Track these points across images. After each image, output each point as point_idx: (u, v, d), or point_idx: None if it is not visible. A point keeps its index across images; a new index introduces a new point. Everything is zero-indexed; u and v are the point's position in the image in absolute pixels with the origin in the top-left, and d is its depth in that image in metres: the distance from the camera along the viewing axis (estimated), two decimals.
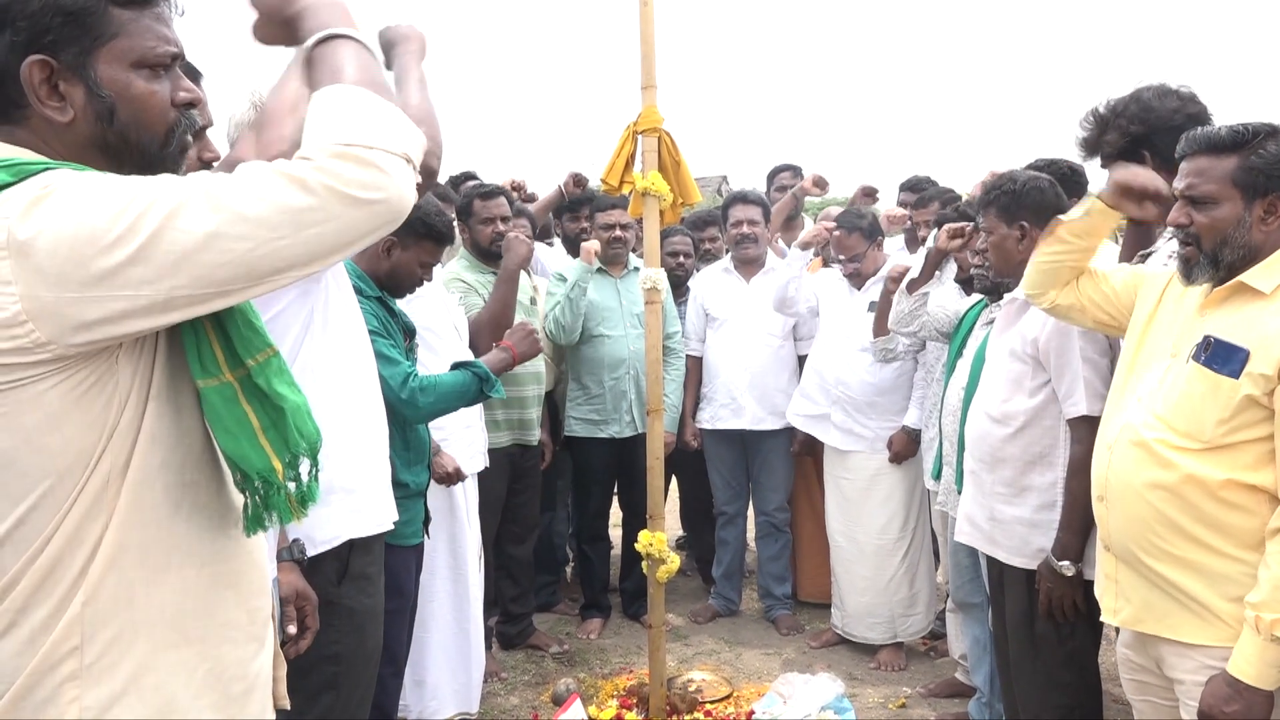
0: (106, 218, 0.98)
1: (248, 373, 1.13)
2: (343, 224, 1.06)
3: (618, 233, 4.23)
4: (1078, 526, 2.38)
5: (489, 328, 3.49)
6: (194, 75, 1.71)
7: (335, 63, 1.22)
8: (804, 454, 4.40)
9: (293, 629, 1.93)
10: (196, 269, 1.00)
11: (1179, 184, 1.93)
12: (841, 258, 4.05)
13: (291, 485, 1.19)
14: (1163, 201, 2.09)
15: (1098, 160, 2.45)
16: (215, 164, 1.76)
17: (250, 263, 1.02)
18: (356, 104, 1.13)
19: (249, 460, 1.14)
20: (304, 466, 1.21)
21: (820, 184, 4.74)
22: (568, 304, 3.99)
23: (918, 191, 4.66)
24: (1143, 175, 2.12)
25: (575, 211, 4.71)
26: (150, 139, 1.16)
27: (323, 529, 2.10)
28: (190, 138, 1.23)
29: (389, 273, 2.69)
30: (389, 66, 1.90)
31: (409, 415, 2.62)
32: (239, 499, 1.20)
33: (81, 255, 0.97)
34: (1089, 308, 2.23)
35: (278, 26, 1.37)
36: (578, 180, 4.58)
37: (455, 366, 2.77)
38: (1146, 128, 2.28)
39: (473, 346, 3.38)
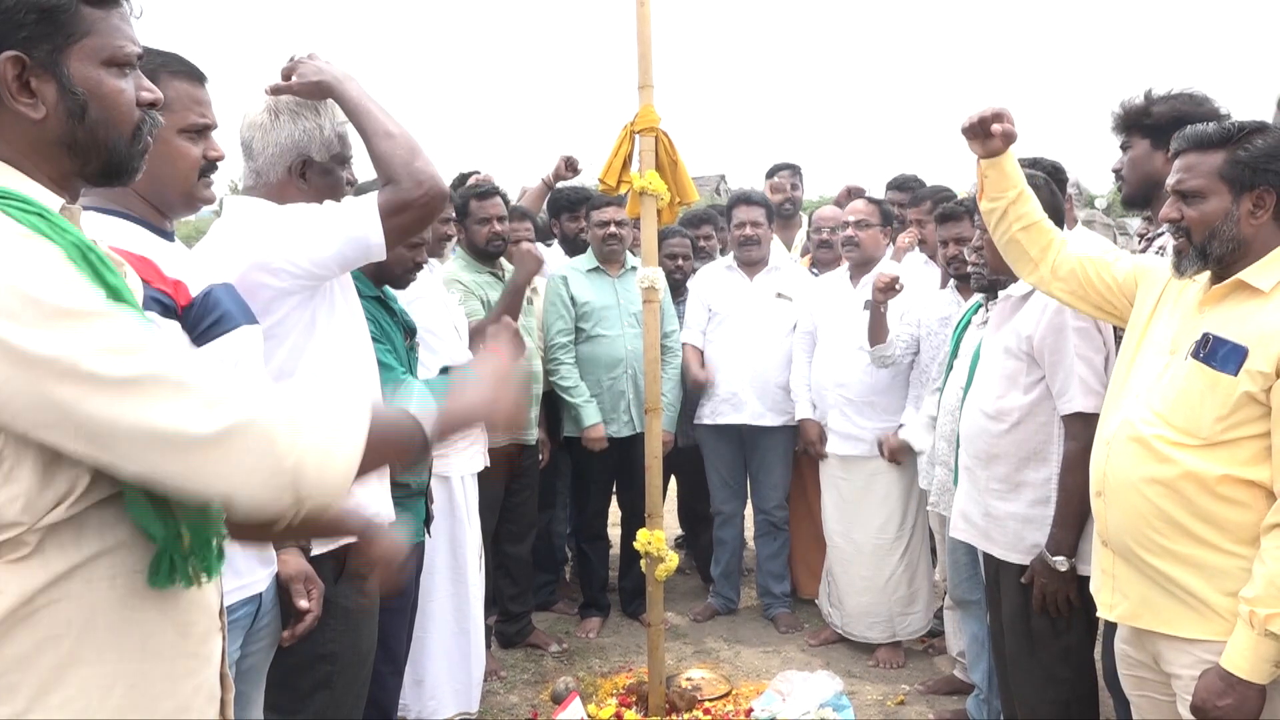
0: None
1: None
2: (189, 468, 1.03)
3: (613, 230, 4.23)
4: (1072, 522, 2.40)
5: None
6: (199, 78, 1.72)
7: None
8: (804, 452, 4.40)
9: (304, 603, 1.92)
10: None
11: (1170, 180, 1.96)
12: (850, 219, 4.05)
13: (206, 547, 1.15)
14: (1002, 120, 2.21)
15: (1121, 140, 2.56)
16: (220, 162, 1.76)
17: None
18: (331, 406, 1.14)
19: (151, 527, 1.10)
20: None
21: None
22: (554, 379, 4.11)
23: (906, 190, 4.65)
24: (974, 111, 2.26)
25: (574, 211, 4.71)
26: (118, 137, 1.17)
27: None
28: (151, 136, 1.23)
29: (379, 263, 2.66)
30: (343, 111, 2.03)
31: None
32: None
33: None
34: (1089, 292, 2.25)
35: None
36: (569, 163, 4.57)
37: (444, 371, 2.75)
38: (1195, 116, 2.30)
39: (472, 349, 3.38)
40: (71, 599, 1.06)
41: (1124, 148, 2.51)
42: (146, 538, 1.10)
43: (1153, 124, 2.40)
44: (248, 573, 1.81)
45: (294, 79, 2.01)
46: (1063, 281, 2.28)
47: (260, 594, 1.85)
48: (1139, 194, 2.51)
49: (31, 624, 1.03)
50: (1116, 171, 2.57)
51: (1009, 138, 2.25)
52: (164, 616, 1.14)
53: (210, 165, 1.73)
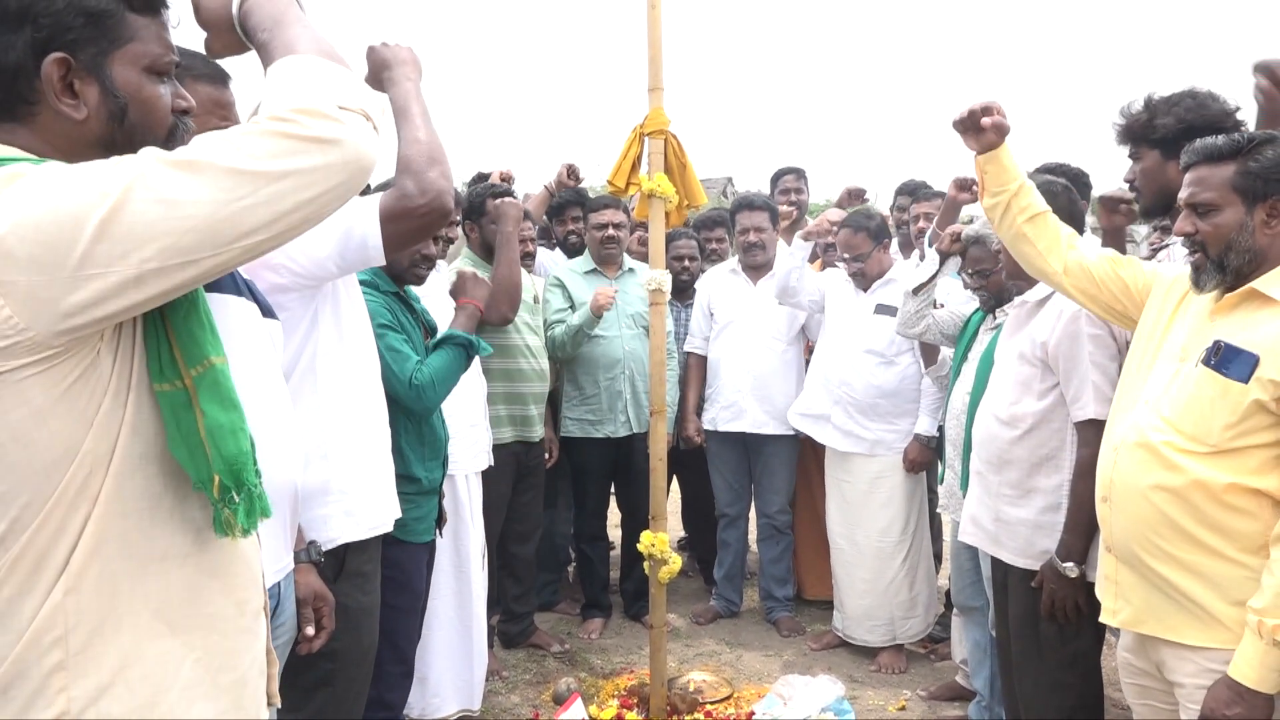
0: (70, 201, 0.98)
1: (192, 380, 1.13)
2: (303, 179, 1.07)
3: (610, 232, 4.24)
4: (1083, 528, 2.39)
5: (501, 293, 3.48)
6: (223, 81, 1.73)
7: (287, 39, 1.24)
8: (807, 455, 4.41)
9: (310, 630, 1.93)
10: (160, 239, 1.00)
11: (1183, 194, 1.96)
12: (846, 256, 4.05)
13: (245, 491, 1.18)
14: (991, 113, 2.24)
15: (1128, 149, 2.50)
16: None
17: (213, 227, 1.02)
18: (310, 71, 1.16)
19: (190, 468, 1.13)
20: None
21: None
22: (569, 338, 4.03)
23: (915, 195, 4.65)
24: (965, 108, 2.27)
25: (561, 215, 4.71)
26: (154, 140, 1.19)
27: (318, 531, 2.11)
28: (183, 143, 1.24)
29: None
30: (381, 88, 1.91)
31: (418, 409, 2.63)
32: None
33: (51, 239, 0.97)
34: (1100, 292, 2.24)
35: (227, 34, 1.38)
36: (571, 171, 4.58)
37: (435, 346, 2.72)
38: (1202, 120, 2.29)
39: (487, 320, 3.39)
40: (150, 576, 1.12)
41: (1133, 157, 2.49)
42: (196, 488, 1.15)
43: (1160, 136, 2.37)
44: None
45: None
46: (1074, 278, 2.28)
47: (277, 584, 1.85)
48: (1156, 205, 2.46)
49: (115, 598, 1.09)
50: (1130, 182, 2.54)
51: (1000, 130, 2.26)
52: (226, 593, 1.21)
53: None
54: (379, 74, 1.94)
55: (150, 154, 1.04)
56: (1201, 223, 1.91)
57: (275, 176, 1.05)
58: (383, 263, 2.00)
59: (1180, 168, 2.00)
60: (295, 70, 1.16)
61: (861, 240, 4.00)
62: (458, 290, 3.00)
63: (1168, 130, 2.35)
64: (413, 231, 1.96)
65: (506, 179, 4.53)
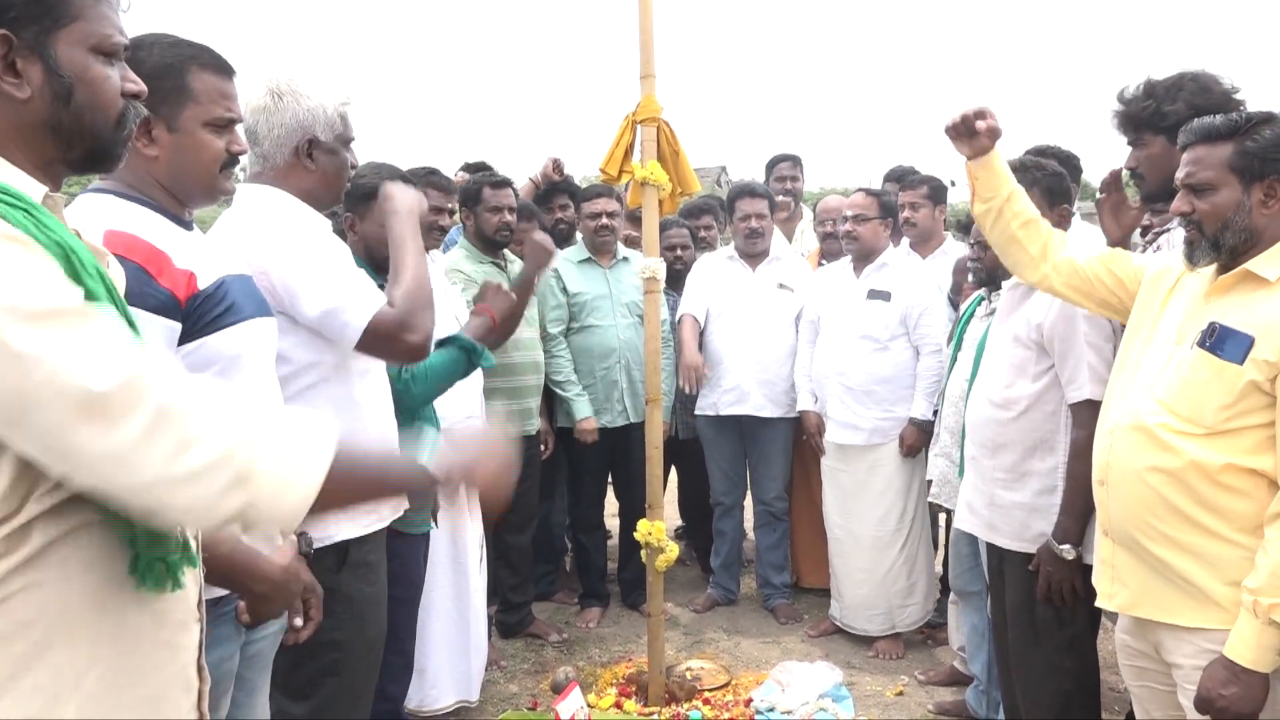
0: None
1: None
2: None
3: (604, 221, 4.23)
4: (1079, 510, 2.40)
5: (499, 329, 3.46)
6: (227, 72, 1.72)
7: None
8: (807, 442, 4.40)
9: (299, 621, 1.93)
10: None
11: (1180, 174, 1.96)
12: (849, 214, 4.02)
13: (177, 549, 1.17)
14: (985, 117, 2.24)
15: (1128, 137, 2.45)
16: (242, 156, 1.78)
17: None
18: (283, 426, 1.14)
19: (120, 525, 1.10)
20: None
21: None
22: None
23: (902, 182, 4.64)
24: (956, 112, 2.27)
25: (549, 202, 4.69)
26: (103, 122, 1.17)
27: (318, 528, 2.10)
28: (134, 126, 1.23)
29: (368, 249, 2.65)
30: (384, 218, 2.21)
31: (404, 403, 2.62)
32: None
33: None
34: (1094, 288, 2.24)
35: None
36: (556, 165, 4.55)
37: (440, 344, 2.74)
38: (1208, 104, 2.25)
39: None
40: (47, 584, 1.05)
41: (1135, 144, 2.44)
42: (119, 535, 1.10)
43: (1171, 124, 2.28)
44: None
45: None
46: (1065, 278, 2.28)
47: None
48: (1162, 191, 2.37)
49: (5, 608, 1.02)
50: (1132, 170, 2.47)
51: (994, 134, 2.26)
52: (140, 604, 1.14)
53: (233, 159, 1.73)
54: (383, 205, 2.21)
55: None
56: (1199, 202, 1.91)
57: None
58: (349, 350, 2.08)
59: (1179, 147, 1.99)
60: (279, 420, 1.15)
61: (870, 204, 4.00)
62: (479, 297, 3.00)
63: (1179, 116, 2.27)
64: (388, 355, 2.14)
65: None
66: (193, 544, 1.21)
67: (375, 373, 2.26)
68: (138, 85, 1.22)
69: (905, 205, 4.24)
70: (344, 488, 1.20)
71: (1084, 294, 2.28)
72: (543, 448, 4.11)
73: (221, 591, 1.68)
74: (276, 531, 1.12)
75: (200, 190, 1.71)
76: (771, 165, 5.46)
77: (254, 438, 1.09)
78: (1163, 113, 2.33)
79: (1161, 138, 2.34)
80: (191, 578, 1.23)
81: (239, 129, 1.76)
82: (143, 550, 1.11)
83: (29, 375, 0.94)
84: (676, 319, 4.48)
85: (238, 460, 1.06)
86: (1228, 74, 2.33)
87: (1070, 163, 3.00)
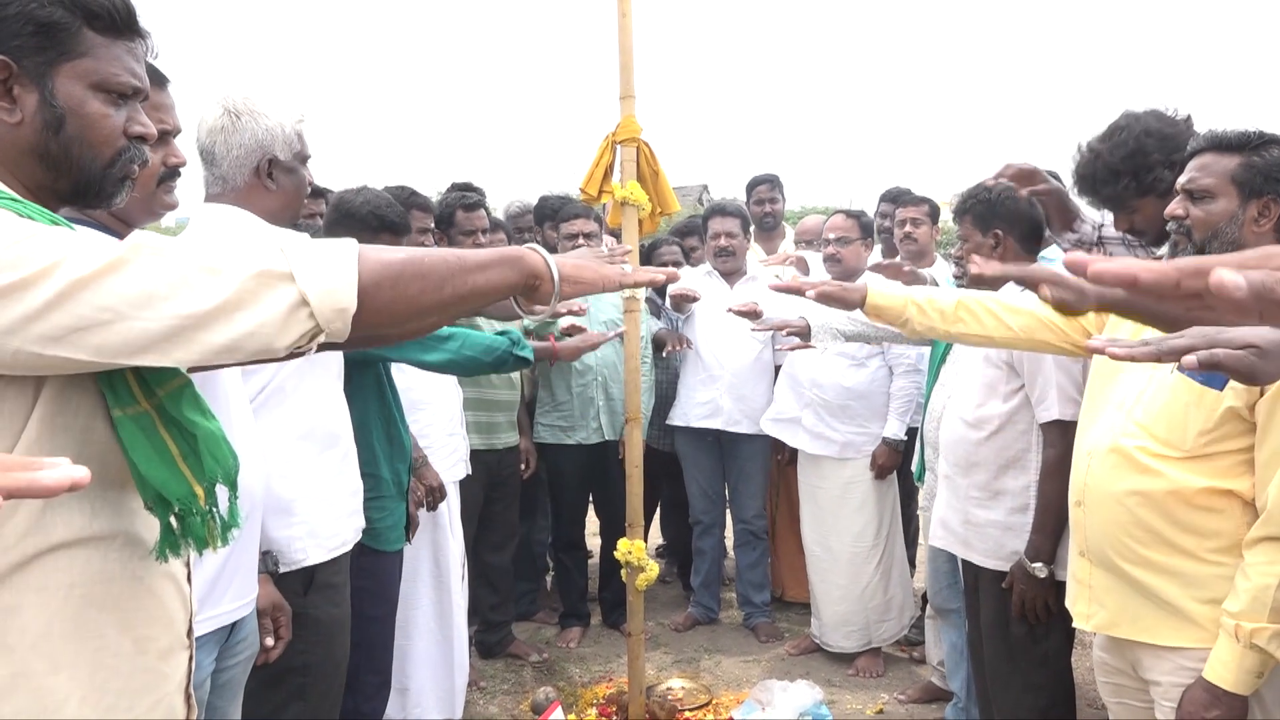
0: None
1: (160, 401, 1.12)
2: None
3: (580, 242, 4.24)
4: (1051, 529, 2.41)
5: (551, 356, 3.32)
6: (160, 82, 1.67)
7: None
8: (787, 463, 4.42)
9: (270, 641, 1.92)
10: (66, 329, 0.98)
11: (1182, 179, 1.96)
12: (830, 237, 4.06)
13: (215, 509, 1.17)
14: (816, 287, 2.30)
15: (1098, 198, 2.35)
16: (181, 168, 1.73)
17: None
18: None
19: (169, 487, 1.11)
20: (222, 494, 1.19)
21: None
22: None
23: (898, 201, 4.69)
24: (818, 290, 2.30)
25: (552, 220, 4.70)
26: (93, 158, 1.18)
27: (285, 553, 2.11)
28: (136, 166, 1.23)
29: None
30: None
31: (430, 358, 2.62)
32: (141, 522, 1.16)
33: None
34: (1069, 330, 2.18)
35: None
36: None
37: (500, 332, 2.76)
38: (1179, 148, 2.17)
39: None
40: (26, 608, 1.05)
41: (1120, 211, 2.32)
42: (152, 505, 1.12)
43: (1167, 187, 2.15)
44: (225, 602, 1.80)
45: None
46: (1031, 332, 2.22)
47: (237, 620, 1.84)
48: (1163, 237, 2.15)
49: None
50: (1126, 231, 2.37)
51: (830, 296, 2.29)
52: (121, 631, 1.13)
53: (171, 171, 1.69)
54: None
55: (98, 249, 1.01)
56: (1194, 208, 1.91)
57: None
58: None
59: (1187, 154, 1.98)
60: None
61: (851, 227, 4.05)
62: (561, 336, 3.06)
63: (1169, 178, 2.18)
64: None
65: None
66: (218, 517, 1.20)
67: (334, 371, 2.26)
68: (145, 128, 1.23)
69: (906, 221, 4.27)
70: (411, 269, 1.16)
71: (1054, 346, 2.23)
72: (523, 465, 4.10)
73: (203, 629, 1.67)
74: (346, 322, 1.08)
75: (138, 206, 1.63)
76: (751, 187, 5.49)
77: (269, 248, 1.08)
78: (1152, 183, 2.25)
79: (1151, 196, 2.25)
80: (180, 603, 1.23)
81: (176, 141, 1.71)
82: (178, 506, 1.12)
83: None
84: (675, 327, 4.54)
85: (269, 264, 1.06)
86: (1165, 103, 2.30)
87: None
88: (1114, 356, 0.96)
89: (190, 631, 1.27)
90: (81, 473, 0.72)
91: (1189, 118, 2.33)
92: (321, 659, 2.18)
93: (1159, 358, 0.94)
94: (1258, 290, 0.70)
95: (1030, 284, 1.36)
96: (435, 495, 3.12)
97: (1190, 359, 0.90)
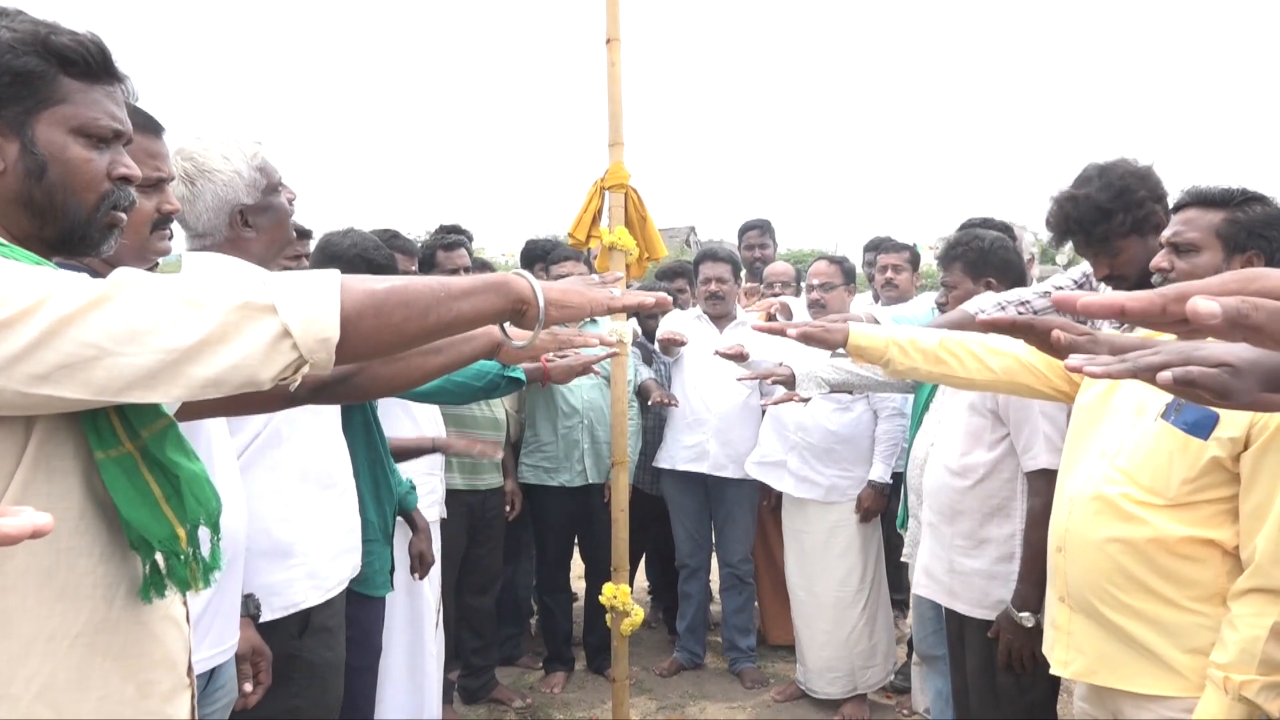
0: None
1: (144, 443, 1.12)
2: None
3: None
4: (1037, 578, 2.41)
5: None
6: (155, 130, 1.65)
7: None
8: (772, 507, 4.43)
9: (248, 686, 1.91)
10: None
11: (1167, 233, 2.00)
12: (815, 283, 4.11)
13: (197, 550, 1.17)
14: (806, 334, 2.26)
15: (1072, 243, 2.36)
16: (174, 215, 1.72)
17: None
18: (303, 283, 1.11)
19: (151, 529, 1.11)
20: (204, 536, 1.19)
21: None
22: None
23: (880, 249, 4.76)
24: (799, 330, 2.26)
25: (543, 260, 4.73)
26: (77, 203, 1.18)
27: (283, 596, 2.09)
28: (122, 213, 1.23)
29: None
30: None
31: (420, 386, 2.61)
32: (135, 567, 1.16)
33: None
34: (1050, 374, 2.20)
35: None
36: None
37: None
38: (1153, 188, 2.24)
39: None
40: (32, 657, 1.05)
41: (1101, 253, 2.32)
42: (136, 549, 1.12)
43: (1155, 224, 2.21)
44: (203, 649, 1.78)
45: None
46: (1013, 375, 2.22)
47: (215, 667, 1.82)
48: (1144, 281, 2.20)
49: None
50: (1108, 275, 2.35)
51: (812, 337, 2.27)
52: (126, 676, 1.14)
53: (164, 219, 1.69)
54: None
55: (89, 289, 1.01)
56: (1179, 260, 1.95)
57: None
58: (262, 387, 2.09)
59: (1173, 208, 2.03)
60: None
61: (834, 272, 4.11)
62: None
63: (1159, 212, 2.25)
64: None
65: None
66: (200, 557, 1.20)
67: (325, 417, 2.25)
68: (130, 170, 1.23)
69: (888, 267, 4.35)
70: (395, 298, 1.15)
71: (1030, 389, 2.24)
72: (508, 508, 4.08)
73: (200, 669, 1.65)
74: (330, 352, 1.08)
75: (131, 253, 1.60)
76: (742, 232, 5.59)
77: (251, 282, 1.08)
78: (1143, 220, 2.26)
79: (1133, 236, 2.28)
80: (181, 644, 1.23)
81: (170, 189, 1.70)
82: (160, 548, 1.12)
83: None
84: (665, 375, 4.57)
85: (251, 296, 1.05)
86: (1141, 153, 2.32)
87: (1009, 232, 3.06)
88: (1091, 374, 0.99)
89: (190, 670, 1.27)
90: (44, 519, 0.72)
91: (1150, 166, 2.35)
92: (315, 703, 2.15)
93: (1135, 374, 0.97)
94: (1232, 317, 0.73)
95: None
96: (425, 565, 3.06)
97: (1165, 375, 0.93)
